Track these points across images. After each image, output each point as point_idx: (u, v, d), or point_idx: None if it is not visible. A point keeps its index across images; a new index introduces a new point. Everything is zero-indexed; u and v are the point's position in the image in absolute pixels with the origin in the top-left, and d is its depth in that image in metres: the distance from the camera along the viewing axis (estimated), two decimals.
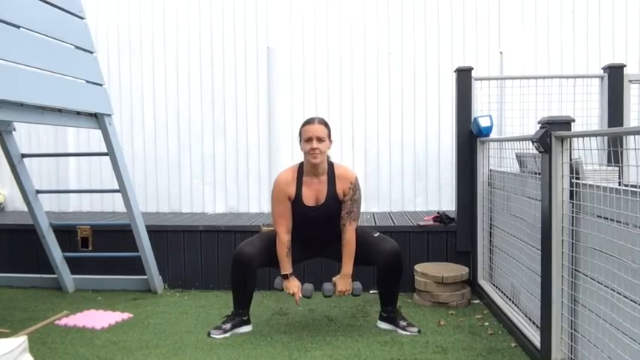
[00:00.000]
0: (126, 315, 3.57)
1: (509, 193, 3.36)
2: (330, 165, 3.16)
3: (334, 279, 3.22)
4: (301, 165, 3.17)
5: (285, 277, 3.17)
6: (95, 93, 3.69)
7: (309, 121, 3.10)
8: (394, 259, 3.13)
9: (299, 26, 5.19)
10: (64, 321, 3.45)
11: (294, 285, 3.16)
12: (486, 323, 3.38)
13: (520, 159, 3.18)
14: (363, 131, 5.17)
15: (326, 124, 3.11)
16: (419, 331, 3.21)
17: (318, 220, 3.14)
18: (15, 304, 3.89)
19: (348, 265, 3.16)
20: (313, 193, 3.12)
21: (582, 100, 4.17)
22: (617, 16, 5.00)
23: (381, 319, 3.33)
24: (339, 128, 5.07)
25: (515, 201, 3.21)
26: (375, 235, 3.24)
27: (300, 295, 3.16)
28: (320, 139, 3.02)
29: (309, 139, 3.02)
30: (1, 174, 5.45)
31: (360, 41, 5.16)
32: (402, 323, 3.24)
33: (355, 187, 3.14)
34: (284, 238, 3.12)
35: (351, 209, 3.11)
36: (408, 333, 3.19)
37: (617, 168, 2.58)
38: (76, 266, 4.25)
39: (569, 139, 2.36)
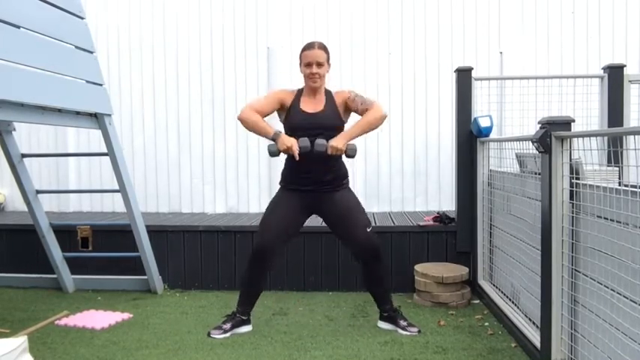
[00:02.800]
0: (126, 315, 3.57)
1: (509, 193, 3.36)
2: (328, 91, 3.18)
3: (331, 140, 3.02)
4: (300, 89, 3.19)
5: (276, 135, 3.00)
6: (95, 93, 3.69)
7: (308, 46, 3.12)
8: (368, 248, 3.12)
9: (299, 26, 5.19)
10: (64, 321, 3.45)
11: (288, 139, 2.98)
12: (486, 323, 3.38)
13: (520, 159, 3.18)
14: None
15: (325, 49, 3.12)
16: (419, 331, 3.21)
17: (316, 128, 3.01)
18: (15, 304, 3.89)
19: (352, 130, 3.05)
20: (312, 105, 3.11)
21: (582, 100, 4.17)
22: (617, 16, 5.00)
23: (382, 319, 3.33)
24: None
25: (515, 201, 3.21)
26: (368, 229, 3.17)
27: (298, 148, 2.95)
28: (319, 64, 3.06)
29: (309, 64, 3.06)
30: (1, 174, 5.45)
31: (360, 41, 5.16)
32: (403, 323, 3.24)
33: (354, 93, 3.13)
34: (252, 113, 3.02)
35: (362, 100, 3.09)
36: (408, 333, 3.19)
37: (617, 168, 2.58)
38: (76, 266, 4.24)
39: (569, 139, 2.36)
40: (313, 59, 3.06)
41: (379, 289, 3.28)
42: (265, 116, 3.08)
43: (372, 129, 3.13)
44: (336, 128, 3.09)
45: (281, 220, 3.14)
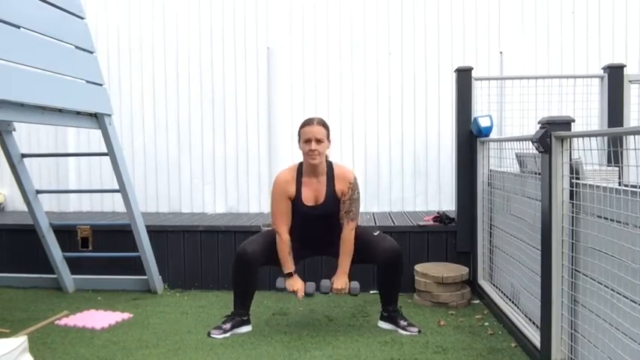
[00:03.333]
0: (126, 315, 3.57)
1: (509, 193, 3.36)
2: (329, 165, 3.18)
3: (333, 278, 3.22)
4: (300, 165, 3.18)
5: (289, 275, 3.18)
6: (95, 93, 3.69)
7: (307, 122, 3.11)
8: (394, 258, 3.14)
9: (299, 26, 5.19)
10: (64, 321, 3.45)
11: (297, 282, 3.17)
12: (486, 323, 3.38)
13: (520, 159, 3.18)
14: (363, 131, 5.17)
15: (325, 125, 3.12)
16: (419, 331, 3.21)
17: (318, 219, 3.15)
18: (15, 304, 3.89)
19: (345, 264, 3.17)
20: (312, 193, 3.14)
21: (582, 100, 4.17)
22: (617, 16, 5.00)
23: (382, 318, 3.33)
24: (338, 128, 5.08)
25: (515, 201, 3.21)
26: (375, 233, 3.25)
27: (303, 294, 3.16)
28: (319, 141, 3.04)
29: (308, 140, 3.04)
30: (1, 174, 5.45)
31: (360, 41, 5.16)
32: (403, 323, 3.24)
33: (354, 186, 3.14)
34: (285, 237, 3.13)
35: (350, 209, 3.12)
36: (408, 333, 3.19)
37: (617, 168, 2.58)
38: (76, 266, 4.24)
39: (569, 139, 2.36)
40: (312, 135, 3.03)
41: (393, 290, 3.28)
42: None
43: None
44: (336, 215, 3.15)
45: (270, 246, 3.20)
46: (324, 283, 3.22)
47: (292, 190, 3.14)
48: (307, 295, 3.19)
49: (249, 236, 3.39)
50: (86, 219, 4.78)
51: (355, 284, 3.22)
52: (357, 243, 3.17)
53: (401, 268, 3.20)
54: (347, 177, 3.15)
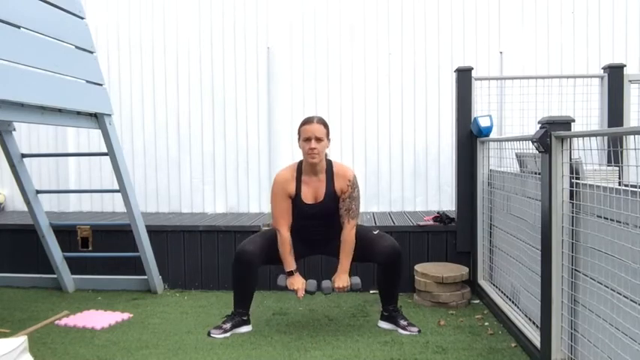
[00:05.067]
0: (126, 315, 3.57)
1: (509, 193, 3.36)
2: (329, 163, 3.18)
3: (333, 277, 3.22)
4: (300, 163, 3.19)
5: (290, 273, 3.18)
6: (95, 93, 3.69)
7: (307, 121, 3.12)
8: (393, 257, 3.14)
9: (299, 26, 5.19)
10: (64, 321, 3.45)
11: (298, 281, 3.17)
12: (486, 323, 3.38)
13: (520, 159, 3.18)
14: (363, 131, 5.17)
15: (325, 124, 3.12)
16: (419, 331, 3.21)
17: (318, 217, 3.16)
18: (15, 304, 3.89)
19: (345, 262, 3.18)
20: (312, 191, 3.15)
21: (582, 100, 4.17)
22: (617, 16, 5.00)
23: (382, 318, 3.33)
24: (339, 128, 5.08)
25: (515, 201, 3.21)
26: (375, 232, 3.25)
27: (304, 293, 3.15)
28: (318, 139, 3.04)
29: (308, 139, 3.05)
30: (1, 174, 5.45)
31: (360, 41, 5.16)
32: (403, 323, 3.24)
33: (353, 184, 3.15)
34: (285, 236, 3.14)
35: (350, 207, 3.13)
36: (408, 333, 3.19)
37: (617, 168, 2.58)
38: (76, 266, 4.25)
39: (569, 139, 2.36)
40: (312, 134, 3.04)
41: (392, 289, 3.28)
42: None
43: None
44: (336, 213, 3.16)
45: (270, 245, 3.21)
46: (326, 284, 3.21)
47: (292, 188, 3.15)
48: (308, 292, 3.18)
49: (249, 236, 3.39)
50: (86, 219, 4.79)
51: (356, 279, 3.22)
52: (356, 241, 3.18)
53: (400, 266, 3.21)
54: (346, 175, 3.15)
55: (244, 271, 3.16)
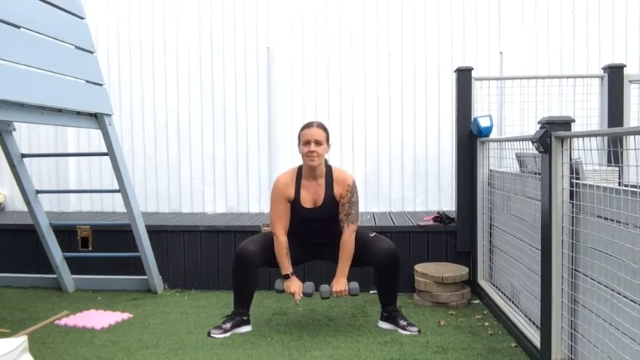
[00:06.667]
0: (126, 315, 3.57)
1: (509, 193, 3.36)
2: (328, 168, 3.20)
3: (332, 282, 3.23)
4: (300, 168, 3.21)
5: (286, 276, 3.19)
6: (95, 93, 3.69)
7: (307, 125, 3.15)
8: (390, 259, 3.15)
9: (299, 26, 5.19)
10: (64, 321, 3.45)
11: (294, 284, 3.17)
12: (486, 323, 3.38)
13: (520, 159, 3.18)
14: (363, 131, 5.17)
15: (324, 129, 3.14)
16: (419, 331, 3.21)
17: (317, 221, 3.17)
18: (15, 304, 3.89)
19: (344, 267, 3.18)
20: (311, 196, 3.16)
21: (582, 100, 4.17)
22: (617, 16, 5.00)
23: (382, 318, 3.33)
24: (339, 128, 5.08)
25: (515, 201, 3.21)
26: (371, 235, 3.25)
27: (301, 296, 3.16)
28: (318, 143, 3.07)
29: (307, 142, 3.07)
30: (1, 174, 5.45)
31: (360, 41, 5.16)
32: (403, 323, 3.25)
33: (352, 189, 3.16)
34: (282, 239, 3.15)
35: (349, 211, 3.13)
36: (408, 333, 3.19)
37: (617, 168, 2.58)
38: (76, 266, 4.25)
39: (569, 139, 2.36)
40: (312, 137, 3.06)
41: (391, 290, 3.28)
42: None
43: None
44: (335, 218, 3.16)
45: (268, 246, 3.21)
46: (324, 288, 3.21)
47: (291, 192, 3.16)
48: (306, 295, 3.19)
49: (249, 236, 3.40)
50: (86, 219, 4.79)
51: (354, 284, 3.22)
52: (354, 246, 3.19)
53: (398, 268, 3.21)
54: (346, 180, 3.16)
55: (244, 270, 3.16)
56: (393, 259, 3.16)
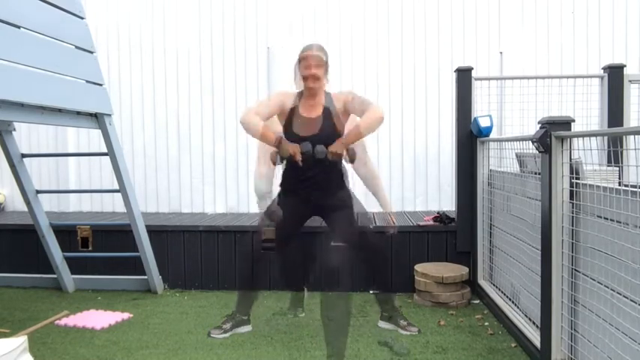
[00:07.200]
0: (126, 315, 3.57)
1: (509, 193, 3.36)
2: (327, 94, 3.13)
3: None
4: (301, 92, 3.14)
5: (278, 141, 2.95)
6: (95, 93, 3.69)
7: (307, 47, 3.09)
8: (353, 238, 3.08)
9: (299, 26, 5.19)
10: (64, 321, 3.45)
11: (291, 146, 2.94)
12: (486, 323, 3.38)
13: (520, 159, 3.18)
14: None
15: (323, 51, 3.09)
16: (419, 331, 3.21)
17: (315, 136, 3.00)
18: (15, 304, 3.89)
19: (350, 133, 2.97)
20: (311, 108, 3.07)
21: (582, 100, 4.17)
22: (617, 16, 5.00)
23: (382, 318, 3.33)
24: None
25: (515, 201, 3.21)
26: (371, 226, 3.19)
27: (300, 157, 2.93)
28: (318, 65, 3.01)
29: (308, 65, 3.01)
30: (1, 174, 5.45)
31: (359, 41, 5.16)
32: (403, 323, 3.25)
33: (353, 93, 3.07)
34: (254, 117, 2.94)
35: (362, 100, 3.00)
36: (408, 333, 3.19)
37: (617, 168, 2.58)
38: (76, 266, 4.25)
39: (569, 139, 2.36)
40: (312, 60, 3.02)
41: (380, 293, 3.27)
42: (267, 119, 3.01)
43: (371, 132, 2.97)
44: (335, 134, 3.03)
45: (280, 230, 3.08)
46: (319, 147, 2.95)
47: (289, 101, 3.07)
48: (305, 153, 2.92)
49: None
50: (86, 219, 4.79)
51: (352, 149, 3.01)
52: (339, 206, 3.12)
53: (378, 261, 3.20)
54: (342, 92, 3.10)
55: (252, 269, 3.10)
56: (359, 242, 3.07)
